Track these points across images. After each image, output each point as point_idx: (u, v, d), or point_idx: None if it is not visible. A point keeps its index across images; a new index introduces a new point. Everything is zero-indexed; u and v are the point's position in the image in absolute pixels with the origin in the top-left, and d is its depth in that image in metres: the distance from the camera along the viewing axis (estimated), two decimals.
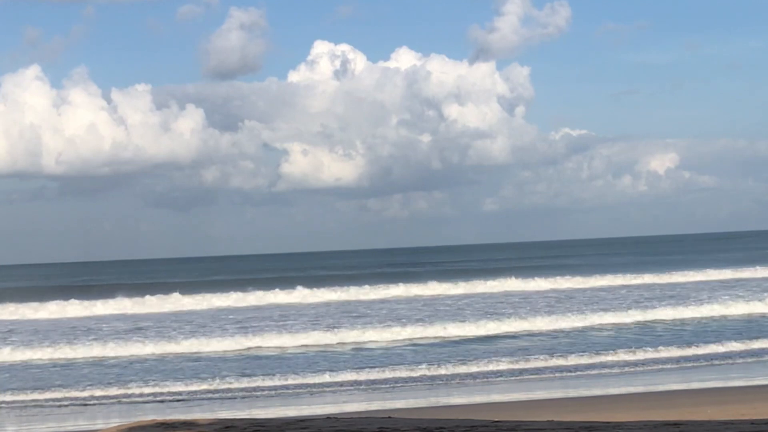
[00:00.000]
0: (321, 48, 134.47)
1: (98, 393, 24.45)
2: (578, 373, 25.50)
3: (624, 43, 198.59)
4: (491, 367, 26.66)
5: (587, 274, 61.70)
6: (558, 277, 57.78)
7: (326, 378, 25.55)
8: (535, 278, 57.63)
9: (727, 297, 42.57)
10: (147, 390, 24.66)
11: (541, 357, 27.93)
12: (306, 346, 32.54)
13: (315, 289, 53.85)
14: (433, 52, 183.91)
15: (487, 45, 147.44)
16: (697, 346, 28.84)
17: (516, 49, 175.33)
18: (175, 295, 51.93)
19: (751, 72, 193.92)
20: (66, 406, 23.12)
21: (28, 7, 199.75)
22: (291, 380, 25.32)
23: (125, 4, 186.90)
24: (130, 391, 24.55)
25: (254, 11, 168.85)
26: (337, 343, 32.89)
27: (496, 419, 14.24)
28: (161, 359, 30.32)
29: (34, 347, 33.02)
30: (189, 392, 24.29)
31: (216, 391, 24.43)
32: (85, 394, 24.49)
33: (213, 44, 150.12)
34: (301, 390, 24.05)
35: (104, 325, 40.77)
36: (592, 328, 34.88)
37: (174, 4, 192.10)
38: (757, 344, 29.33)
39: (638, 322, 35.97)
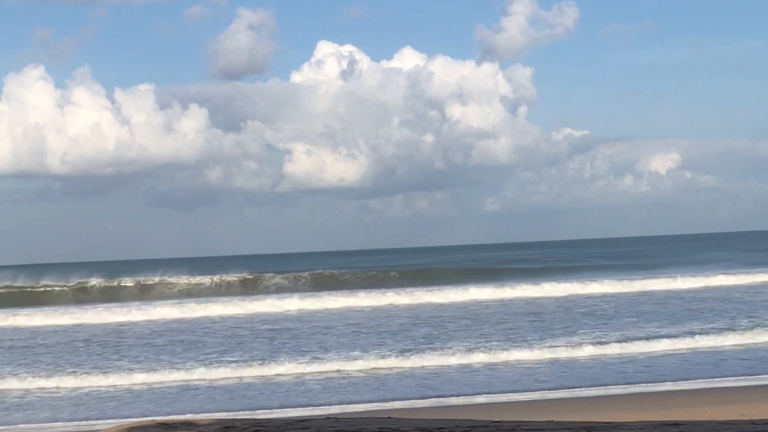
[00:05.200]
0: (325, 48, 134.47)
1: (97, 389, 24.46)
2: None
3: (629, 43, 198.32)
4: None
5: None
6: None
7: None
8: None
9: None
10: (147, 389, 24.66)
11: None
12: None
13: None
14: (438, 52, 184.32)
15: (494, 45, 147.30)
16: None
17: (523, 50, 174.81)
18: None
19: (754, 72, 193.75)
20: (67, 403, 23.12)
21: (41, 8, 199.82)
22: None
23: (136, 5, 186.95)
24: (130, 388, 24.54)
25: (263, 12, 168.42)
26: None
27: (496, 419, 14.25)
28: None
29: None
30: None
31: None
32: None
33: (221, 45, 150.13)
34: None
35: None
36: None
37: (183, 5, 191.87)
38: None
39: None
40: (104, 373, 27.00)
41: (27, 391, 25.15)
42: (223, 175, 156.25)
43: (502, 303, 46.49)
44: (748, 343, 29.36)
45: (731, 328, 32.03)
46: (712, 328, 32.32)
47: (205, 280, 66.62)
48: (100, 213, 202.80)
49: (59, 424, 21.00)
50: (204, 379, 25.66)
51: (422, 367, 26.71)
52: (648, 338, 30.44)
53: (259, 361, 27.95)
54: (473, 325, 36.19)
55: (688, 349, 28.66)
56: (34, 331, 39.50)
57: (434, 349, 29.32)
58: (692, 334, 31.10)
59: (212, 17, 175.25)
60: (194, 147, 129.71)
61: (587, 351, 28.35)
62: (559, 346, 29.08)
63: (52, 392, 24.84)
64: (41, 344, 34.99)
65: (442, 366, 26.68)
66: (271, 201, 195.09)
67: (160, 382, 25.53)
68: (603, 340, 30.44)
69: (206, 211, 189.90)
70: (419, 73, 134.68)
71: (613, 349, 28.61)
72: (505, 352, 28.43)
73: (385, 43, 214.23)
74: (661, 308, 40.66)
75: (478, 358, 27.69)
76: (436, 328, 35.83)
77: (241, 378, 25.71)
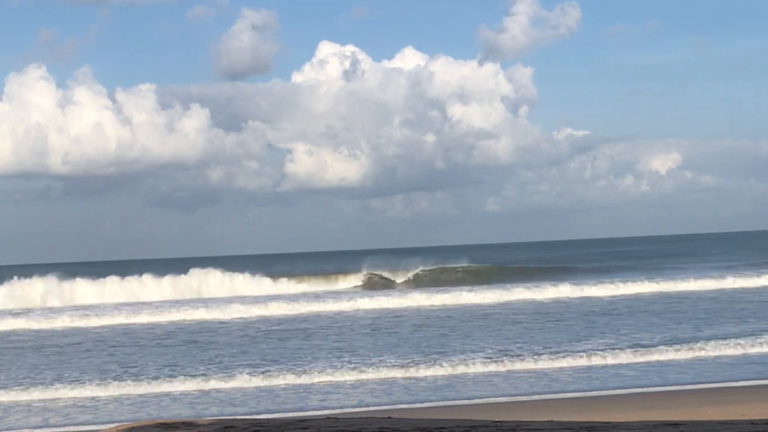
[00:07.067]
0: (326, 49, 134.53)
1: (99, 393, 24.44)
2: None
3: (631, 43, 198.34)
4: None
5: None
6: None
7: None
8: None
9: None
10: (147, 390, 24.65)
11: None
12: None
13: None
14: (439, 52, 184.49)
15: (496, 45, 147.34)
16: None
17: (525, 50, 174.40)
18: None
19: (755, 72, 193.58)
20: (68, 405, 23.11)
21: (44, 8, 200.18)
22: None
23: (139, 6, 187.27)
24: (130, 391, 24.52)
25: (266, 12, 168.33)
26: None
27: (496, 419, 14.23)
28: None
29: None
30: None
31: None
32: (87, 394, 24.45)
33: (224, 45, 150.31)
34: None
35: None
36: None
37: (186, 5, 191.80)
38: None
39: None
40: None
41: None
42: (225, 175, 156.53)
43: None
44: None
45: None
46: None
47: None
48: (102, 213, 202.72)
49: (60, 426, 21.01)
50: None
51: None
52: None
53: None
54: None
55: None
56: None
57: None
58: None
59: (215, 18, 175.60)
60: (196, 147, 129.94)
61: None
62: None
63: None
64: None
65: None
66: (273, 201, 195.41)
67: None
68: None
69: (207, 211, 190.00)
70: (420, 73, 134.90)
71: None
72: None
73: (387, 43, 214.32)
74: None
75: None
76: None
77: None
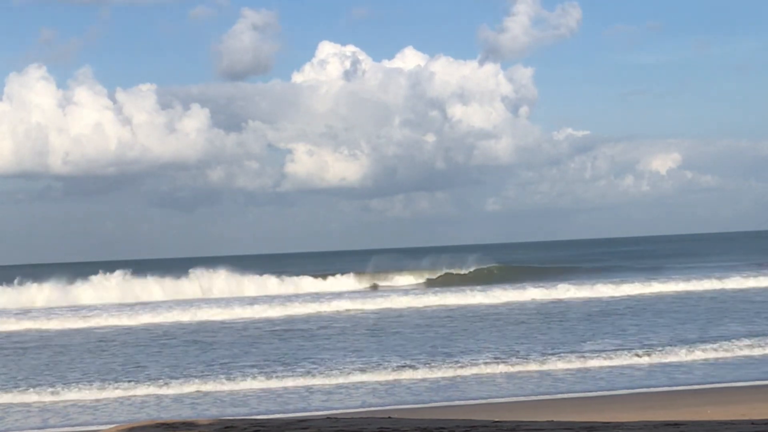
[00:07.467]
0: (326, 49, 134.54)
1: (99, 394, 24.44)
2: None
3: (632, 43, 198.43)
4: None
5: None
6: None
7: None
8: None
9: None
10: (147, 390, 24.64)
11: None
12: None
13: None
14: (439, 52, 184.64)
15: (497, 46, 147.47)
16: None
17: (525, 50, 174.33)
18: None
19: (756, 72, 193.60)
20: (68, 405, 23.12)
21: (45, 8, 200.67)
22: None
23: (140, 6, 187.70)
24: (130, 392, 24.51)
25: (266, 12, 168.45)
26: None
27: (496, 419, 14.23)
28: None
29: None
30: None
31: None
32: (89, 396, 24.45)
33: (224, 45, 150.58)
34: None
35: None
36: None
37: (187, 6, 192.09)
38: None
39: None
40: None
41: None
42: (225, 175, 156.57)
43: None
44: None
45: None
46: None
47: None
48: (102, 213, 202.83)
49: (60, 425, 21.00)
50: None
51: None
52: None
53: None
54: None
55: None
56: None
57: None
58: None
59: (215, 18, 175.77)
60: (196, 147, 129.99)
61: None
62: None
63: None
64: None
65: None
66: (273, 201, 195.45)
67: None
68: None
69: (208, 211, 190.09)
70: (420, 74, 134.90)
71: None
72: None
73: (387, 43, 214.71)
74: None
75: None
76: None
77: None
